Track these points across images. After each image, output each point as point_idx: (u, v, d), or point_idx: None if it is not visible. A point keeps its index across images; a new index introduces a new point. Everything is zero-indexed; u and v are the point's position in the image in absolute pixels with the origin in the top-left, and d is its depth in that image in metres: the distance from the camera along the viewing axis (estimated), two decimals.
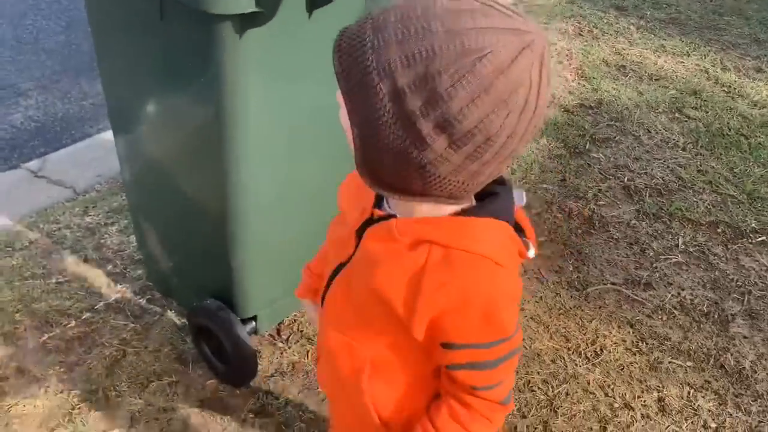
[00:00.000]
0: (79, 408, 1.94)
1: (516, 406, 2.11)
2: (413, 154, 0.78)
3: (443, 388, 1.03)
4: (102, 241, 2.49)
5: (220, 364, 2.02)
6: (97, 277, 2.34)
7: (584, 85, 3.98)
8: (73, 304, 2.23)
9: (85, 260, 2.41)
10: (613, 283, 2.62)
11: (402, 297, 0.93)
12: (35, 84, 3.57)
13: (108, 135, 3.10)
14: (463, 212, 0.92)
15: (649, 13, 5.04)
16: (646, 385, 2.23)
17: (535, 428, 2.05)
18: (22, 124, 3.28)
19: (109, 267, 2.38)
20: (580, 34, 4.61)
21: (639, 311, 2.51)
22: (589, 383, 2.21)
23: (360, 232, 1.01)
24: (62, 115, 3.38)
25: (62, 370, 2.03)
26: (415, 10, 0.76)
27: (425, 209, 0.92)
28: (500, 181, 0.94)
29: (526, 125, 0.79)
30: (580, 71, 4.12)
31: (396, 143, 0.78)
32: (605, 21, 4.82)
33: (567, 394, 2.17)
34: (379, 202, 1.00)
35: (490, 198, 0.94)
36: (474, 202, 0.94)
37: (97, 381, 2.01)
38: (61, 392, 1.97)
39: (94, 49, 1.90)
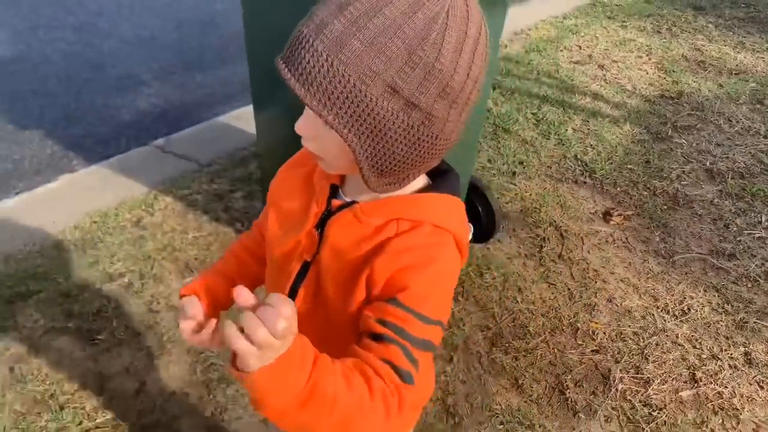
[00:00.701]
0: None
1: (609, 353, 2.28)
2: (424, 132, 0.80)
3: (356, 349, 0.87)
4: (229, 204, 2.79)
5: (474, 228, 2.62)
6: (228, 233, 2.63)
7: (664, 78, 4.11)
8: (210, 254, 2.52)
9: (216, 220, 2.70)
10: (698, 253, 2.76)
11: (379, 268, 0.88)
12: (154, 75, 3.94)
13: (223, 119, 3.44)
14: (423, 189, 0.93)
15: (727, 12, 5.13)
16: (733, 341, 2.37)
17: (628, 371, 2.23)
18: (146, 109, 3.64)
19: (238, 225, 2.67)
20: (659, 32, 4.74)
21: (724, 278, 2.65)
22: (677, 336, 2.37)
23: (319, 227, 0.96)
24: (180, 102, 3.73)
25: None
26: (355, 7, 0.74)
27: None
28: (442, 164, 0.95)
29: (487, 53, 0.82)
30: (659, 65, 4.26)
31: (406, 132, 0.79)
32: (683, 19, 4.94)
33: (657, 344, 2.33)
34: (334, 193, 0.97)
35: (444, 175, 0.95)
36: (428, 180, 0.95)
37: None
38: None
39: (244, 30, 2.18)
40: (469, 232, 0.91)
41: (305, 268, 0.98)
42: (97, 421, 1.94)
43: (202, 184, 2.91)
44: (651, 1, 5.20)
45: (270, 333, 0.67)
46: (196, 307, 1.04)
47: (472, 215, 2.60)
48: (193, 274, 2.44)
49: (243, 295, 0.69)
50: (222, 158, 3.11)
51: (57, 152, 3.23)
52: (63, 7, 4.67)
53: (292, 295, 0.99)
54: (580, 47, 4.41)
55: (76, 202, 2.78)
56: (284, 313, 0.68)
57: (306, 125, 0.84)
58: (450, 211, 0.92)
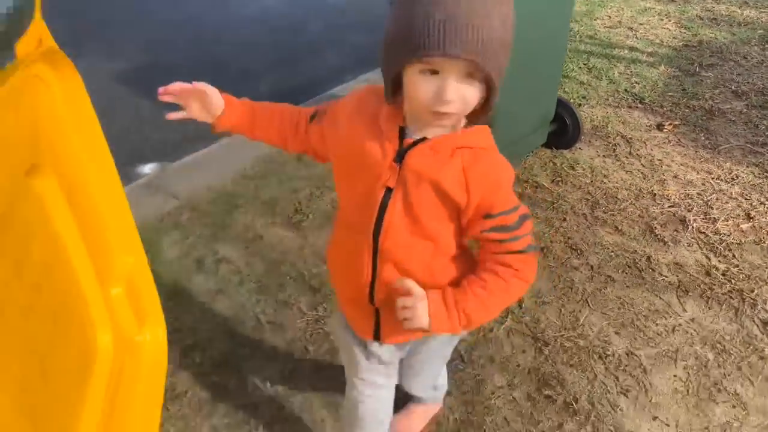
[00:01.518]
0: None
1: (682, 206, 3.02)
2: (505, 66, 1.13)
3: (483, 256, 1.29)
4: None
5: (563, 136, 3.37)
6: None
7: (685, 33, 4.90)
8: None
9: None
10: (737, 144, 3.51)
11: (459, 191, 1.20)
12: (265, 68, 4.76)
13: (334, 91, 4.22)
14: (468, 125, 1.23)
15: None
16: None
17: (699, 216, 2.96)
18: (270, 91, 4.44)
19: None
20: (673, 1, 5.54)
21: (761, 158, 3.39)
22: (732, 193, 3.11)
23: (398, 159, 1.21)
24: (293, 85, 4.53)
25: None
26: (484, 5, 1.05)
27: (443, 129, 1.21)
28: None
29: None
30: (679, 23, 5.05)
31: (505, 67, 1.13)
32: None
33: (717, 199, 3.07)
34: (401, 135, 1.22)
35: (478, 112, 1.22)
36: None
37: None
38: None
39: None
40: None
41: (387, 195, 1.24)
42: (321, 268, 2.69)
43: None
44: None
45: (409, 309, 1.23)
46: (214, 95, 1.38)
47: (561, 125, 3.36)
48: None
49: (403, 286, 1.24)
50: None
51: None
52: (173, 27, 5.54)
53: (381, 215, 1.26)
54: (610, 17, 5.21)
55: (248, 151, 3.56)
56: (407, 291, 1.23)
57: (456, 94, 1.10)
58: (488, 136, 1.27)
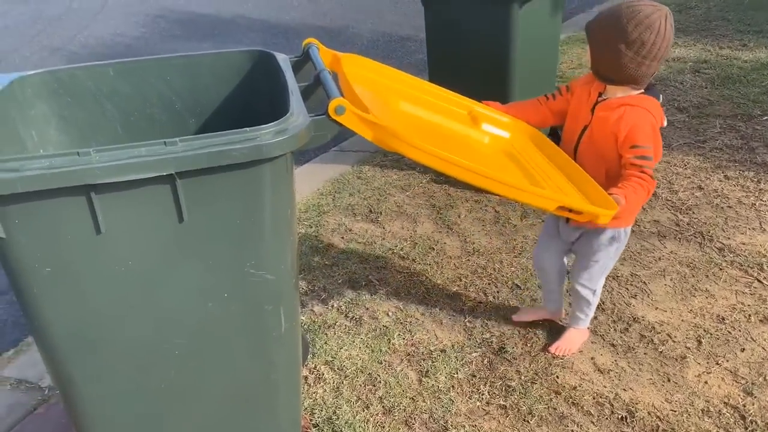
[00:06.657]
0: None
1: None
2: (632, 70, 2.04)
3: (628, 171, 2.07)
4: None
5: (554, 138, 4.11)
6: None
7: None
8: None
9: None
10: (684, 143, 4.68)
11: (617, 129, 2.09)
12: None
13: None
14: (639, 94, 2.13)
15: None
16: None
17: (665, 190, 4.07)
18: None
19: None
20: None
21: (702, 150, 4.54)
22: (685, 175, 4.24)
23: (592, 109, 2.20)
24: None
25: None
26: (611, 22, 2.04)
27: (622, 94, 2.13)
28: (652, 83, 2.18)
29: (666, 47, 2.03)
30: None
31: (629, 65, 2.03)
32: None
33: (676, 178, 4.19)
34: (598, 95, 2.18)
35: (649, 89, 2.16)
36: (642, 91, 2.14)
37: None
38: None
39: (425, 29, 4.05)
40: (662, 117, 2.24)
41: (583, 130, 2.23)
42: (402, 244, 3.69)
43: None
44: None
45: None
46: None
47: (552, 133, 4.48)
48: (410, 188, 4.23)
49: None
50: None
51: None
52: None
53: (578, 143, 2.26)
54: (572, 61, 6.47)
55: (319, 175, 4.58)
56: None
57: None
58: (644, 98, 2.14)
